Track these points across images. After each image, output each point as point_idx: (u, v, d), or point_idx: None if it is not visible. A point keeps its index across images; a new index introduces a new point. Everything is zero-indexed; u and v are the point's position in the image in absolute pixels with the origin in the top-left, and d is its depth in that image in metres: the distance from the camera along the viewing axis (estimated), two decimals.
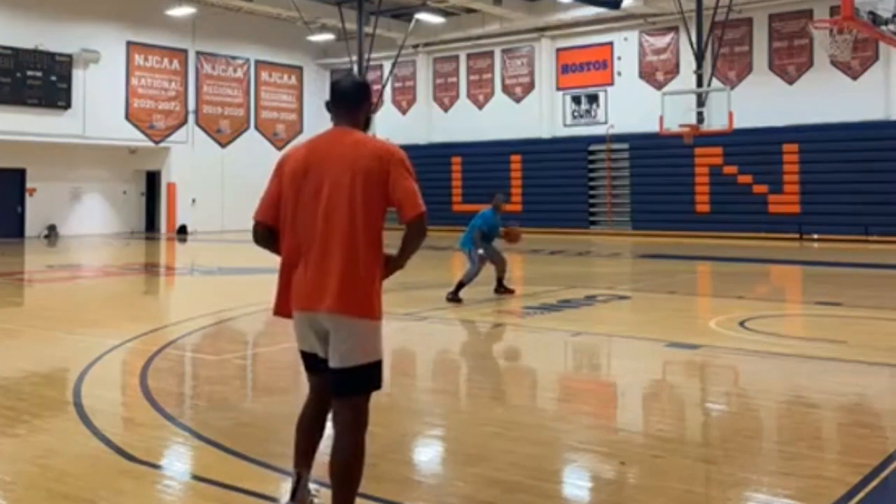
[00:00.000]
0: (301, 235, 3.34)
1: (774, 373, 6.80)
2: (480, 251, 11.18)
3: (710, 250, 20.00)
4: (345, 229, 3.26)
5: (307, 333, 3.39)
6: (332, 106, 3.49)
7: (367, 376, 3.31)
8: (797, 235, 23.21)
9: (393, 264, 3.41)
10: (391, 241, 3.28)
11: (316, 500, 3.60)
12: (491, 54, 30.13)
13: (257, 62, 31.68)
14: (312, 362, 3.46)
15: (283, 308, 3.44)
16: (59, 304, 11.62)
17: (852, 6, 14.45)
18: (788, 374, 6.76)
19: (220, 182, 30.02)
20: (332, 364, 3.29)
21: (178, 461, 4.66)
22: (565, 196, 27.73)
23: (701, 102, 21.08)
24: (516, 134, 28.85)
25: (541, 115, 28.68)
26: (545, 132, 28.60)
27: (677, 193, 25.42)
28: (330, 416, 3.45)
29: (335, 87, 3.52)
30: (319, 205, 3.30)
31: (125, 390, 6.53)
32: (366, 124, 3.54)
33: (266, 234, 3.46)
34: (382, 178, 3.28)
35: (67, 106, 25.95)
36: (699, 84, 21.61)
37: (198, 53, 29.83)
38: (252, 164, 30.48)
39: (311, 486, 3.59)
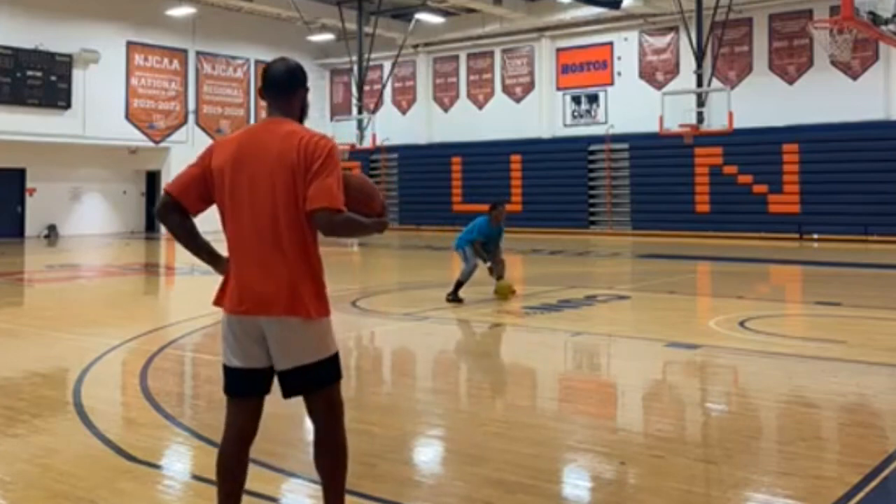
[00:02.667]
0: (235, 232, 3.21)
1: (774, 373, 6.80)
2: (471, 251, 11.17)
3: (710, 250, 20.00)
4: (273, 229, 3.12)
5: (245, 341, 3.19)
6: (264, 93, 3.32)
7: (329, 369, 3.22)
8: (797, 235, 23.20)
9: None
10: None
11: None
12: (491, 54, 30.12)
13: (257, 62, 31.67)
14: (249, 383, 3.22)
15: (220, 299, 3.29)
16: (59, 304, 11.62)
17: (852, 6, 14.45)
18: (788, 374, 6.76)
19: None
20: (282, 366, 3.16)
21: (178, 461, 4.66)
22: (565, 196, 27.73)
23: (701, 102, 21.11)
24: (516, 134, 28.85)
25: (541, 115, 28.68)
26: (545, 132, 28.60)
27: (677, 193, 25.40)
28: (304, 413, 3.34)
29: (265, 73, 3.30)
30: (248, 202, 3.16)
31: (125, 390, 6.53)
32: (302, 112, 3.33)
33: (173, 206, 3.26)
34: (305, 174, 3.09)
35: (67, 106, 25.96)
36: (699, 84, 21.64)
37: (198, 53, 29.84)
38: None
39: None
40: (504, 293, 11.08)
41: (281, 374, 3.20)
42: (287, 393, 3.23)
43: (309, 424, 3.34)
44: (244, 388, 3.24)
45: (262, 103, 3.40)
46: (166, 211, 3.28)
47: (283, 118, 3.26)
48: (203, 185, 3.25)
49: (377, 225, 3.31)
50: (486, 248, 11.21)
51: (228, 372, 3.25)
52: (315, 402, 3.26)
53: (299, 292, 3.12)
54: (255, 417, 3.27)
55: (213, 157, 3.25)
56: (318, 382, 3.23)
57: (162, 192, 3.32)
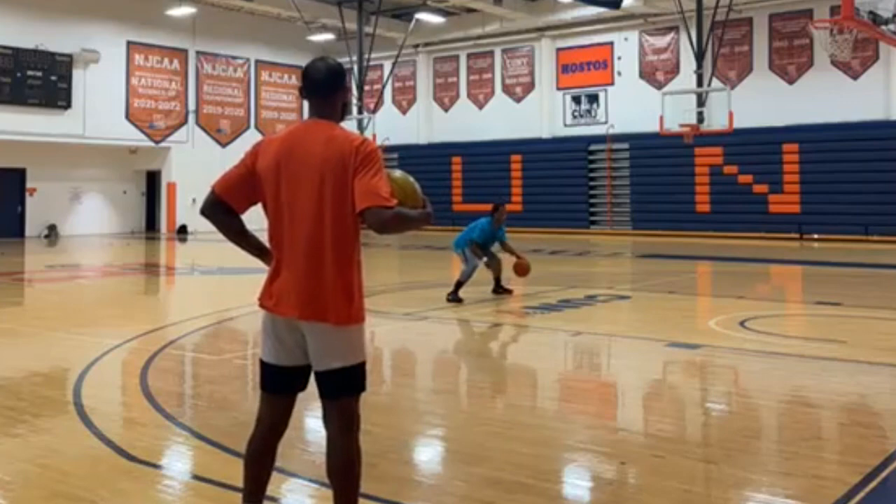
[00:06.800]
0: (278, 234, 3.24)
1: (774, 373, 6.80)
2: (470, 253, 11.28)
3: (710, 250, 20.00)
4: (314, 233, 3.13)
5: (281, 340, 3.23)
6: (305, 93, 3.32)
7: (352, 378, 3.22)
8: (797, 235, 23.21)
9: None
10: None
11: None
12: (491, 54, 30.13)
13: (257, 62, 31.68)
14: (282, 380, 3.27)
15: (262, 298, 3.31)
16: (59, 304, 11.61)
17: (852, 6, 14.44)
18: (788, 374, 6.76)
19: None
20: (318, 368, 3.20)
21: (178, 461, 4.66)
22: (565, 196, 27.74)
23: (701, 102, 21.10)
24: (516, 134, 28.86)
25: (541, 115, 28.68)
26: (545, 132, 28.61)
27: (677, 193, 25.42)
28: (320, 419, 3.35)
29: (306, 74, 3.29)
30: (291, 207, 3.18)
31: (125, 390, 6.53)
32: (343, 111, 3.33)
33: (219, 205, 3.27)
34: (350, 177, 3.09)
35: (67, 106, 25.96)
36: (699, 84, 21.63)
37: (198, 53, 29.83)
38: None
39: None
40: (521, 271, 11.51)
41: (316, 374, 3.23)
42: (320, 394, 3.26)
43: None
44: (277, 385, 3.29)
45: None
46: (213, 210, 3.31)
47: (325, 120, 3.26)
48: (248, 185, 3.27)
49: (424, 217, 3.28)
50: (483, 248, 11.25)
51: (264, 367, 3.30)
52: (330, 409, 3.24)
53: (331, 298, 3.13)
54: (286, 413, 3.32)
55: (259, 158, 3.27)
56: (337, 390, 3.21)
57: (208, 191, 3.32)
